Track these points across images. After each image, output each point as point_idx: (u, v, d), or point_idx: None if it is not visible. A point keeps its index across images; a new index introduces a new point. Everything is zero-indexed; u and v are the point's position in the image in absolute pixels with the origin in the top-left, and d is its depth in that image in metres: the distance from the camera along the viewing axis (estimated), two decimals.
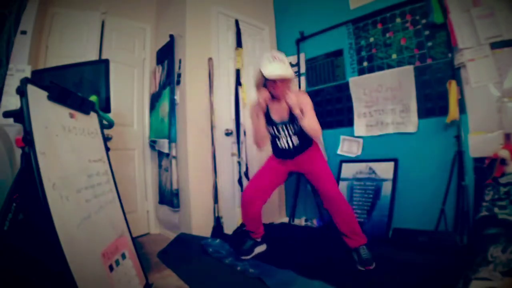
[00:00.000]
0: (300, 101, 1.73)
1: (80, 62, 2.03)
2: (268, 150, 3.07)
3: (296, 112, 1.70)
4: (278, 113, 1.83)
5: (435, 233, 1.99)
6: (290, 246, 2.14)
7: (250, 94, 2.90)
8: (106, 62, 1.94)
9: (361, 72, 2.54)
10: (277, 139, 1.87)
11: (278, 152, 1.93)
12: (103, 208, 1.31)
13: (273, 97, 1.79)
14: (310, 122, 1.71)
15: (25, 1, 1.32)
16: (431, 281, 1.44)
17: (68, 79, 1.84)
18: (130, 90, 2.83)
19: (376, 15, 2.44)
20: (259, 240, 2.04)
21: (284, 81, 1.72)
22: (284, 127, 1.82)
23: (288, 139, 1.84)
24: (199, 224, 2.38)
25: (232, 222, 2.55)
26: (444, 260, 1.63)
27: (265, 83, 1.76)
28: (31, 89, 1.03)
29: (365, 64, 2.52)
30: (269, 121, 1.84)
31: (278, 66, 1.66)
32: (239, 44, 2.78)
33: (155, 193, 2.87)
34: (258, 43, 3.09)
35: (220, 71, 2.66)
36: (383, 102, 2.39)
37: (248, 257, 1.94)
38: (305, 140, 1.86)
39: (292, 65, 3.05)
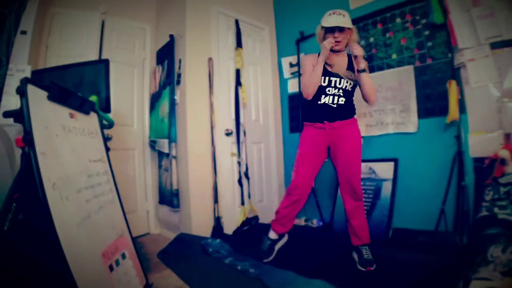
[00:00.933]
0: (359, 63, 1.70)
1: (80, 62, 2.03)
2: (268, 150, 3.04)
3: (361, 65, 1.66)
4: (336, 66, 1.76)
5: (435, 233, 1.99)
6: (290, 246, 2.13)
7: (250, 93, 2.91)
8: (106, 62, 1.94)
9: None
10: (323, 95, 1.75)
11: (318, 111, 1.78)
12: (103, 208, 1.31)
13: (332, 51, 1.75)
14: (370, 79, 1.69)
15: (25, 1, 1.32)
16: (431, 281, 1.44)
17: (68, 79, 1.84)
18: (130, 90, 2.83)
19: (376, 15, 2.44)
20: (276, 237, 1.91)
21: (344, 32, 1.69)
22: (338, 81, 1.74)
23: (336, 96, 1.74)
24: (199, 224, 2.38)
25: (232, 222, 2.55)
26: (444, 260, 1.63)
27: (325, 36, 1.74)
28: (31, 89, 1.03)
29: None
30: (324, 71, 1.75)
31: (337, 18, 1.66)
32: (239, 44, 2.78)
33: (155, 193, 2.87)
34: (258, 43, 3.09)
35: (220, 71, 2.66)
36: (383, 102, 2.39)
37: (270, 258, 1.85)
38: (350, 106, 1.80)
39: (292, 65, 3.05)
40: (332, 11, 1.71)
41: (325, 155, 1.86)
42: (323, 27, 1.73)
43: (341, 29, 1.68)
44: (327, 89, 1.75)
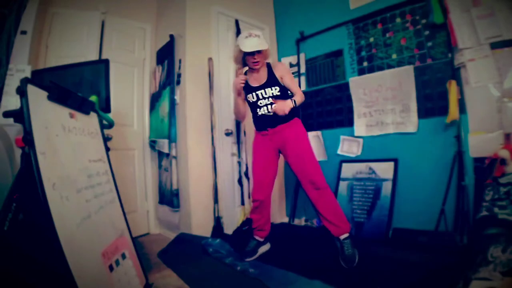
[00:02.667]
0: (279, 71, 1.88)
1: (80, 62, 2.03)
2: None
3: (286, 111, 1.77)
4: (257, 80, 1.91)
5: (435, 233, 1.99)
6: (290, 246, 2.14)
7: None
8: (106, 62, 1.94)
9: (361, 72, 2.54)
10: (258, 109, 1.90)
11: (259, 122, 1.94)
12: (103, 208, 1.31)
13: (252, 69, 1.91)
14: (297, 99, 1.82)
15: (25, 1, 1.32)
16: (431, 281, 1.44)
17: (68, 79, 1.84)
18: (130, 90, 2.83)
19: (376, 15, 2.44)
20: (262, 240, 2.03)
21: (262, 53, 1.84)
22: (264, 92, 1.87)
23: (268, 105, 1.87)
24: (199, 224, 2.38)
25: (232, 222, 2.55)
26: (444, 260, 1.63)
27: (244, 57, 1.87)
28: (31, 89, 1.03)
29: (365, 64, 2.52)
30: (249, 89, 1.91)
31: (254, 40, 1.78)
32: None
33: (155, 193, 2.87)
34: None
35: (220, 71, 2.66)
36: (383, 102, 2.39)
37: (252, 258, 1.94)
38: None
39: (292, 65, 3.05)
40: (247, 33, 1.82)
41: (276, 158, 1.99)
42: (240, 51, 1.83)
43: (259, 51, 1.80)
44: (258, 103, 1.89)
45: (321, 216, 1.81)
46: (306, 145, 1.89)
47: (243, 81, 1.87)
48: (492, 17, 1.84)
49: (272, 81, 1.87)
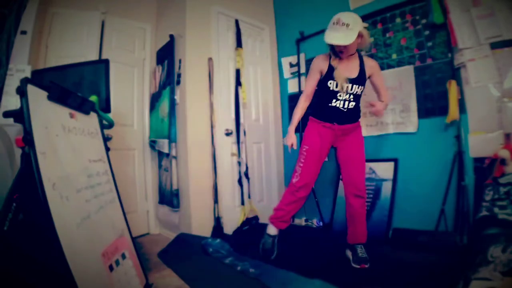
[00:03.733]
0: (370, 67, 1.75)
1: (80, 62, 2.03)
2: (269, 150, 3.04)
3: (381, 116, 1.83)
4: (346, 70, 1.72)
5: (435, 233, 1.99)
6: (290, 246, 2.14)
7: (250, 93, 2.91)
8: (106, 62, 1.94)
9: None
10: (333, 99, 1.73)
11: (327, 112, 1.77)
12: (103, 208, 1.31)
13: (340, 58, 1.71)
14: (388, 102, 1.82)
15: (25, 1, 1.32)
16: (431, 281, 1.44)
17: (68, 79, 1.84)
18: (130, 90, 2.83)
19: (376, 15, 2.44)
20: (277, 234, 1.91)
21: (347, 46, 1.60)
22: (349, 87, 1.71)
23: (347, 101, 1.73)
24: (199, 224, 2.38)
25: (232, 222, 2.55)
26: (444, 260, 1.63)
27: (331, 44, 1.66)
28: (31, 89, 1.03)
29: None
30: (330, 75, 1.73)
31: (337, 34, 1.56)
32: (239, 44, 2.78)
33: (155, 193, 2.87)
34: (258, 43, 3.08)
35: (220, 71, 2.66)
36: None
37: (274, 255, 1.88)
38: (358, 110, 1.82)
39: (292, 65, 3.05)
40: (336, 18, 1.59)
41: (327, 153, 1.87)
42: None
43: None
44: (338, 94, 1.73)
45: (353, 223, 1.78)
46: (363, 151, 1.84)
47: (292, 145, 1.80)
48: (492, 17, 1.84)
49: (361, 79, 1.73)
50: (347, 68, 1.73)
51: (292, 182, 1.84)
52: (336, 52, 1.68)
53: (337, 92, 1.73)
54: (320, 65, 1.76)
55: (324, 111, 1.79)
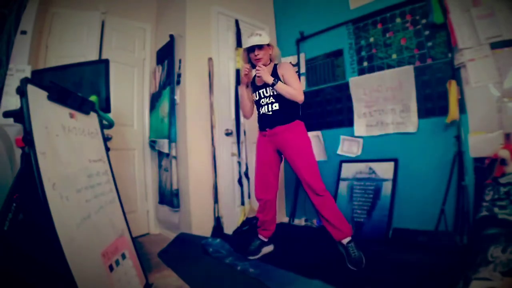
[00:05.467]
0: (281, 70, 1.87)
1: (80, 62, 2.03)
2: None
3: (269, 81, 1.79)
4: (261, 79, 1.89)
5: (435, 233, 1.99)
6: (290, 246, 2.14)
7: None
8: (106, 62, 1.94)
9: (361, 72, 2.54)
10: (260, 107, 1.93)
11: (261, 121, 1.96)
12: (103, 208, 1.31)
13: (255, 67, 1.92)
14: (287, 87, 1.79)
15: (25, 1, 1.32)
16: (431, 281, 1.44)
17: (68, 79, 1.84)
18: (130, 90, 2.83)
19: (376, 15, 2.44)
20: (266, 240, 2.04)
21: (263, 49, 1.87)
22: (265, 91, 1.89)
23: (268, 104, 1.88)
24: (199, 224, 2.38)
25: (232, 222, 2.55)
26: (444, 260, 1.63)
27: (249, 56, 1.92)
28: (31, 89, 1.03)
29: (365, 64, 2.52)
30: (254, 88, 1.96)
31: (255, 38, 1.85)
32: (239, 44, 2.78)
33: (155, 193, 2.87)
34: None
35: (220, 71, 2.66)
36: (383, 102, 2.39)
37: (256, 257, 1.94)
38: (287, 111, 1.85)
39: (292, 65, 3.05)
40: (251, 32, 1.92)
41: (277, 158, 1.99)
42: (244, 49, 1.93)
43: (259, 47, 1.86)
44: (260, 101, 1.92)
45: (324, 220, 1.80)
46: (305, 150, 1.85)
47: (247, 70, 1.88)
48: (492, 17, 1.84)
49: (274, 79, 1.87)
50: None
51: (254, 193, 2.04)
52: (254, 61, 1.90)
53: (259, 100, 1.92)
54: (241, 74, 1.97)
55: (259, 121, 1.98)
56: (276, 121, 1.86)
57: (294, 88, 1.79)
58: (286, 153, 1.89)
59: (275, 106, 1.86)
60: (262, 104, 1.91)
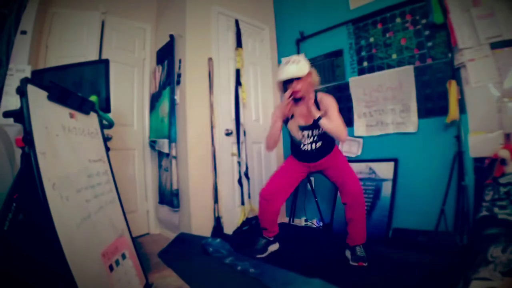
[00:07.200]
0: (324, 104, 1.76)
1: (80, 62, 2.03)
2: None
3: (315, 115, 1.69)
4: (303, 117, 1.83)
5: (435, 233, 1.99)
6: (290, 246, 2.14)
7: (250, 93, 2.91)
8: (106, 62, 1.94)
9: (361, 72, 2.54)
10: (300, 145, 1.87)
11: (300, 155, 1.92)
12: (103, 208, 1.31)
13: (297, 100, 1.80)
14: (333, 125, 1.69)
15: (25, 1, 1.32)
16: (431, 281, 1.44)
17: (68, 79, 1.84)
18: (130, 90, 2.83)
19: (376, 15, 2.44)
20: (271, 239, 2.04)
21: (301, 80, 1.72)
22: (310, 132, 1.82)
23: (312, 143, 1.84)
24: (199, 224, 2.38)
25: (232, 222, 2.55)
26: (444, 260, 1.63)
27: (285, 87, 1.77)
28: (31, 89, 1.03)
29: (365, 64, 2.52)
30: (292, 122, 1.86)
31: (291, 67, 1.68)
32: (239, 44, 2.78)
33: (155, 193, 2.87)
34: (258, 43, 3.09)
35: (220, 71, 2.66)
36: (383, 102, 2.39)
37: (263, 255, 1.95)
38: (328, 144, 1.87)
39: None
40: (287, 59, 1.73)
41: (301, 179, 2.00)
42: (280, 81, 1.78)
43: (298, 78, 1.70)
44: (303, 140, 1.85)
45: (353, 226, 1.79)
46: (346, 165, 1.88)
47: (289, 102, 1.73)
48: (492, 17, 1.84)
49: (317, 122, 1.75)
50: (303, 113, 1.81)
51: (261, 189, 1.97)
52: (295, 98, 1.76)
53: (301, 138, 1.84)
54: (283, 112, 1.81)
55: (298, 154, 1.93)
56: (319, 156, 1.87)
57: (338, 125, 1.70)
58: (329, 173, 1.89)
59: (319, 145, 1.84)
60: (304, 143, 1.86)
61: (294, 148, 1.95)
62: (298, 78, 1.70)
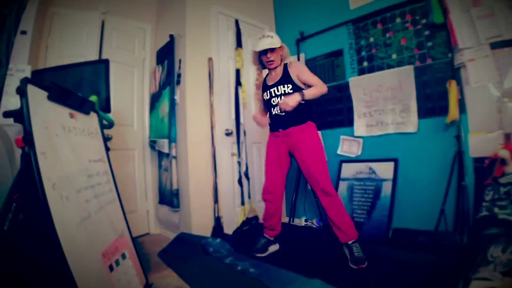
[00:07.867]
0: (294, 69, 1.89)
1: (80, 62, 2.03)
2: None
3: (298, 98, 1.76)
4: (272, 79, 1.95)
5: (435, 233, 1.99)
6: (290, 246, 2.14)
7: (250, 93, 2.91)
8: (106, 62, 1.93)
9: (361, 72, 2.54)
10: (271, 108, 1.93)
11: (273, 122, 1.96)
12: (103, 208, 1.31)
13: (269, 68, 1.98)
14: (315, 91, 1.80)
15: (25, 1, 1.32)
16: (431, 281, 1.44)
17: (68, 79, 1.84)
18: (130, 90, 2.83)
19: (376, 15, 2.44)
20: (272, 239, 2.05)
21: (275, 52, 1.89)
22: (276, 89, 1.90)
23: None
24: (199, 224, 2.38)
25: (232, 222, 2.55)
26: (444, 260, 1.63)
27: (260, 58, 1.96)
28: (31, 89, 1.03)
29: (365, 64, 2.52)
30: (265, 87, 1.99)
31: (267, 40, 1.87)
32: (239, 44, 2.78)
33: (155, 193, 2.87)
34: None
35: (220, 71, 2.66)
36: (383, 102, 2.39)
37: (263, 255, 1.96)
38: (299, 111, 1.84)
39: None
40: (262, 34, 1.94)
41: (287, 159, 2.00)
42: (256, 52, 1.94)
43: (271, 49, 1.88)
44: (271, 101, 1.93)
45: (331, 221, 1.82)
46: (317, 151, 1.86)
47: (259, 78, 1.95)
48: (492, 17, 1.84)
49: (285, 78, 1.89)
50: (273, 77, 1.97)
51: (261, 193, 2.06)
52: (266, 63, 1.93)
53: (270, 99, 1.93)
54: (255, 83, 2.05)
55: (271, 122, 1.97)
56: (290, 122, 1.86)
57: (315, 84, 1.82)
58: (298, 153, 1.89)
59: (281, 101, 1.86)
60: (274, 103, 1.91)
61: (270, 119, 1.98)
62: (272, 50, 1.87)
